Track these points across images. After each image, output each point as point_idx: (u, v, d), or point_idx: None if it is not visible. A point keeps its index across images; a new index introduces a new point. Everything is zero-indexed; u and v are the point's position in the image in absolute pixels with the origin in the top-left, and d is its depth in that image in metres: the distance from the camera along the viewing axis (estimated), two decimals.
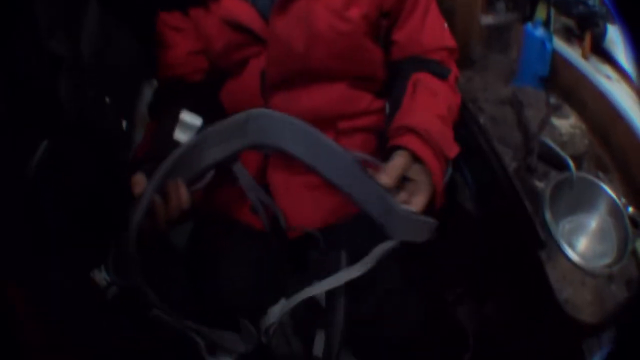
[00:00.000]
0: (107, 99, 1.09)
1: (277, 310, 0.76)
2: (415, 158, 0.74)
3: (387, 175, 0.71)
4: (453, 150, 0.79)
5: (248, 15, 0.83)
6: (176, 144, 0.84)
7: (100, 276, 1.04)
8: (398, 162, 0.73)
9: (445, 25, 0.92)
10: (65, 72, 0.96)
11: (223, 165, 0.78)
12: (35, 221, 0.83)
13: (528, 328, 1.09)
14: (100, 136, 1.07)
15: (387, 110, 0.90)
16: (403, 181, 0.74)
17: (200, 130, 0.86)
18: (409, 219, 0.71)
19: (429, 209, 0.73)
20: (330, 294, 0.78)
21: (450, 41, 0.91)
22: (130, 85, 1.24)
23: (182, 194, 0.72)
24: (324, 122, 0.91)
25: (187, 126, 0.86)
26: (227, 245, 0.90)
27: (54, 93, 0.94)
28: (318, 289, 0.75)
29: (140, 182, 0.71)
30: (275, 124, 0.75)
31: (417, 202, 0.73)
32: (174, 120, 0.86)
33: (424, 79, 0.85)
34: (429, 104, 0.81)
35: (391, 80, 0.92)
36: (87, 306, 0.88)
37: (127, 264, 0.67)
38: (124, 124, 1.19)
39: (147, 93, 1.20)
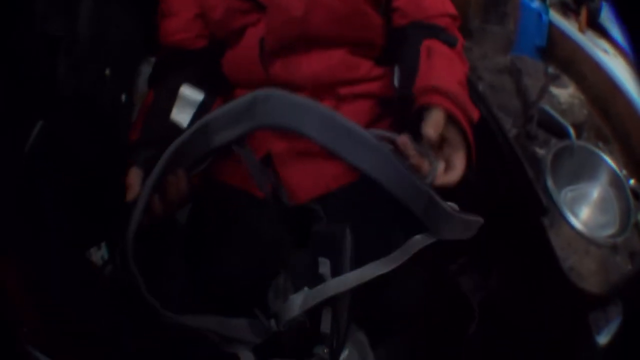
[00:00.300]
0: (107, 72, 1.07)
1: (298, 304, 0.68)
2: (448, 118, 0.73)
3: (432, 128, 0.69)
4: (475, 113, 0.77)
5: None
6: (173, 125, 0.83)
7: (98, 254, 1.01)
8: (439, 116, 0.71)
9: None
10: (63, 51, 0.95)
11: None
12: (31, 201, 0.81)
13: (533, 298, 1.06)
14: (99, 110, 1.05)
15: (397, 74, 0.88)
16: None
17: (202, 105, 0.85)
18: (455, 218, 0.68)
19: (466, 170, 0.72)
20: (336, 269, 0.74)
21: (451, 8, 0.90)
22: (129, 61, 1.22)
23: (181, 185, 0.71)
24: (324, 88, 0.90)
25: (187, 102, 0.84)
26: (228, 214, 0.88)
27: (51, 72, 0.93)
28: (343, 285, 0.69)
29: (134, 183, 0.70)
30: (286, 106, 0.72)
31: (457, 166, 0.71)
32: (172, 96, 0.84)
33: (437, 46, 0.83)
34: (448, 69, 0.80)
35: (397, 46, 0.90)
36: (84, 285, 0.86)
37: (127, 273, 0.64)
38: (124, 97, 1.17)
39: (146, 71, 1.18)
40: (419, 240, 0.70)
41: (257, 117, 0.73)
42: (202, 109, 0.86)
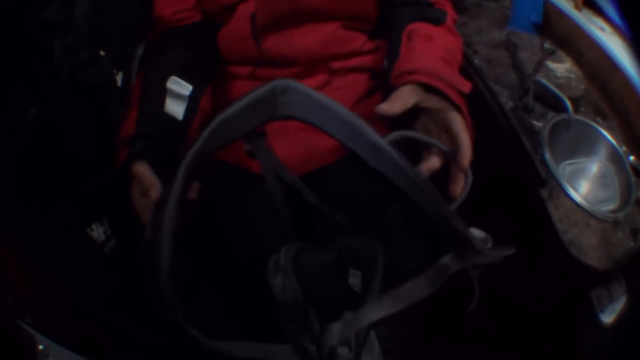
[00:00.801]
0: (102, 53, 1.07)
1: (337, 331, 0.65)
2: (427, 90, 0.71)
3: (389, 101, 0.66)
4: (465, 85, 0.74)
5: None
6: (169, 117, 0.81)
7: (100, 230, 1.00)
8: (403, 89, 0.69)
9: None
10: (59, 35, 0.95)
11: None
12: (26, 179, 0.80)
13: (533, 272, 1.03)
14: (93, 90, 1.05)
15: (386, 64, 0.85)
16: (426, 119, 0.69)
17: (191, 97, 0.83)
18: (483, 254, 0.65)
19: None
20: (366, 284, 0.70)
21: None
22: (125, 43, 1.22)
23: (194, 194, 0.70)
24: (317, 62, 0.89)
25: (176, 95, 0.83)
26: (223, 192, 0.86)
27: (47, 56, 0.93)
28: (379, 311, 0.65)
29: (151, 178, 0.69)
30: (306, 100, 0.70)
31: (459, 131, 0.67)
32: (162, 89, 0.83)
33: (418, 28, 0.82)
34: (426, 49, 0.78)
35: (385, 27, 0.90)
36: (84, 263, 0.85)
37: (162, 298, 0.60)
38: (120, 78, 1.17)
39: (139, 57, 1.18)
40: (452, 263, 0.66)
41: (278, 108, 0.70)
42: (192, 102, 0.84)
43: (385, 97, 0.77)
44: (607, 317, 1.05)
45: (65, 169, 0.93)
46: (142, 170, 0.70)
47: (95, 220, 1.08)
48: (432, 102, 0.70)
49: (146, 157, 0.73)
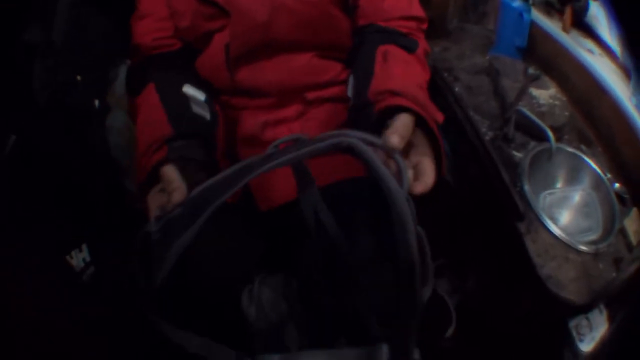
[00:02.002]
0: (79, 77, 1.08)
1: None
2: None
3: (397, 133, 0.61)
4: (439, 115, 0.72)
5: None
6: (200, 117, 0.80)
7: (79, 257, 1.01)
8: (405, 119, 0.65)
9: None
10: (39, 57, 0.96)
11: None
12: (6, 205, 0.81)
13: (510, 302, 1.03)
14: (72, 116, 1.06)
15: (352, 80, 0.83)
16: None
17: (207, 101, 0.81)
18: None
19: (437, 177, 0.65)
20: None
21: (418, 10, 0.86)
22: (102, 65, 1.23)
23: None
24: (291, 93, 0.89)
25: (196, 100, 0.81)
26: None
27: (25, 80, 0.94)
28: None
29: (177, 180, 0.67)
30: None
31: (427, 172, 0.64)
32: (181, 93, 0.81)
33: (393, 51, 0.80)
34: (405, 73, 0.76)
35: (354, 48, 0.88)
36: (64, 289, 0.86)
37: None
38: (97, 103, 1.18)
39: (123, 74, 1.18)
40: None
41: None
42: (211, 106, 0.83)
43: (353, 113, 0.76)
44: (586, 346, 1.04)
45: (46, 194, 0.94)
46: (171, 171, 0.69)
47: (75, 247, 1.08)
48: (417, 138, 0.67)
49: (185, 156, 0.72)
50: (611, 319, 1.07)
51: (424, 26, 0.86)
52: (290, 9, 0.81)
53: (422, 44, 0.83)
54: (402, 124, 0.64)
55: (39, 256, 0.84)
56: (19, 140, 0.87)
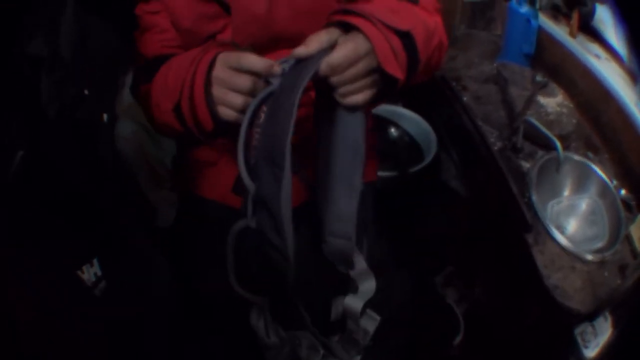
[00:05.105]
0: (86, 91, 1.07)
1: None
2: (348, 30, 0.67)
3: (305, 44, 0.64)
4: (404, 23, 0.68)
5: None
6: None
7: (90, 272, 1.01)
8: (320, 31, 0.67)
9: None
10: (46, 71, 0.94)
11: None
12: (16, 221, 0.80)
13: (517, 310, 1.04)
14: (81, 130, 1.05)
15: None
16: None
17: None
18: None
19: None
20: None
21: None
22: (109, 78, 1.22)
23: None
24: None
25: None
26: (208, 230, 0.86)
27: (34, 94, 0.92)
28: None
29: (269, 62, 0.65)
30: None
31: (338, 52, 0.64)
32: None
33: None
34: (379, 2, 0.73)
35: None
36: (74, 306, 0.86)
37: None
38: (105, 117, 1.17)
39: (129, 82, 1.18)
40: None
41: None
42: None
43: None
44: (591, 352, 1.06)
45: (56, 210, 0.93)
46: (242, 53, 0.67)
47: (86, 261, 1.09)
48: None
49: None
50: (615, 325, 1.08)
51: (439, 5, 0.83)
52: (289, 0, 0.79)
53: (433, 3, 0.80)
54: (312, 35, 0.66)
55: (51, 271, 0.84)
56: (27, 156, 0.87)
